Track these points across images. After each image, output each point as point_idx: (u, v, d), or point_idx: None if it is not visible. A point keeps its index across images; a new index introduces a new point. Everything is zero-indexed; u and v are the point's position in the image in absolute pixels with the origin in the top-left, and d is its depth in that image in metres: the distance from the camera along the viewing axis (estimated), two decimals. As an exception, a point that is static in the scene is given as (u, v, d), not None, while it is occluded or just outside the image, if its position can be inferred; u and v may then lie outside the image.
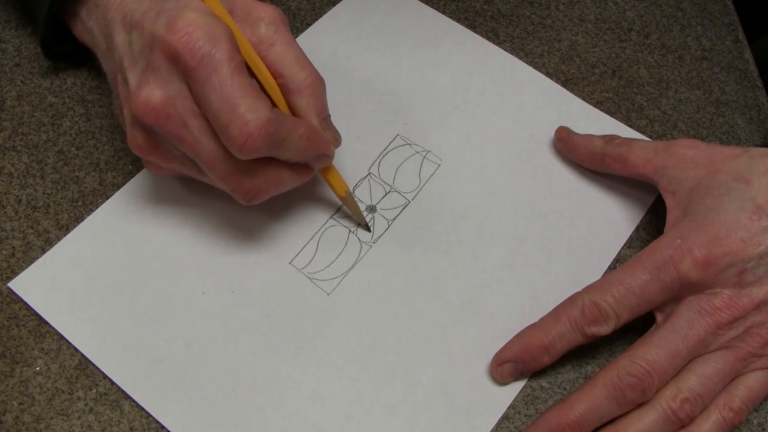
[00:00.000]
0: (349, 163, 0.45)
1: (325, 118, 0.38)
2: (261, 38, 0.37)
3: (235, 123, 0.33)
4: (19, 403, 0.37)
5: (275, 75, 0.37)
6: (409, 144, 0.46)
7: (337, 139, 0.39)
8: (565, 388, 0.39)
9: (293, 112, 0.38)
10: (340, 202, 0.43)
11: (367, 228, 0.43)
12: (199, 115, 0.34)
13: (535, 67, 0.50)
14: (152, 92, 0.34)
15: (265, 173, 0.37)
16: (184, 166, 0.38)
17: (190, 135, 0.35)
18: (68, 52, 0.45)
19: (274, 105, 0.37)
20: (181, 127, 0.35)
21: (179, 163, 0.37)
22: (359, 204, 0.44)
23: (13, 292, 0.39)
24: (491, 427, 0.38)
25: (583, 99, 0.49)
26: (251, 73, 0.36)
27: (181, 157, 0.37)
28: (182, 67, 0.33)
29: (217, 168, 0.36)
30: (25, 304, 0.39)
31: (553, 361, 0.39)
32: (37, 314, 0.39)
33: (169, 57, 0.33)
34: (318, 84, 0.38)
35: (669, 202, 0.40)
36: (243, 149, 0.34)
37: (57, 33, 0.43)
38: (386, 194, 0.44)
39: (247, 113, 0.33)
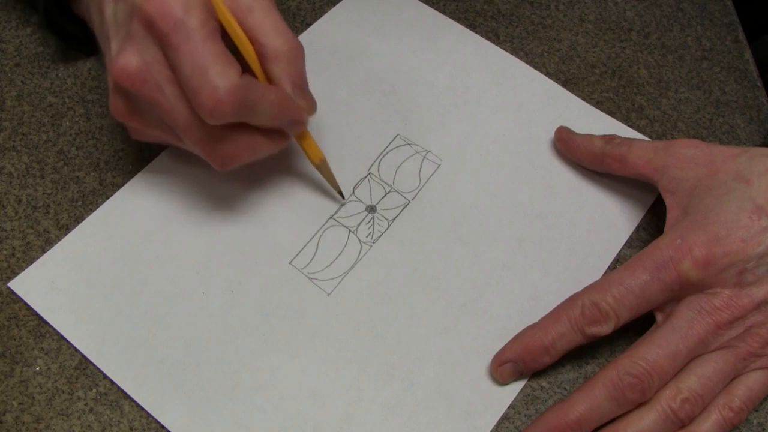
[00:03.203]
0: (349, 163, 0.45)
1: (300, 85, 0.38)
2: (240, 5, 0.37)
3: (204, 88, 0.34)
4: (19, 403, 0.37)
5: (253, 42, 0.37)
6: (409, 144, 0.46)
7: (311, 107, 0.39)
8: (565, 388, 0.39)
9: (269, 78, 0.38)
10: (339, 202, 0.43)
11: (341, 195, 0.43)
12: (174, 81, 0.35)
13: (535, 67, 0.50)
14: (129, 58, 0.35)
15: (238, 139, 0.37)
16: (163, 132, 0.38)
17: (166, 100, 0.35)
18: (71, 32, 0.45)
19: (249, 71, 0.37)
20: (157, 93, 0.35)
21: (158, 129, 0.38)
22: (359, 204, 0.44)
23: (13, 292, 0.39)
24: (491, 427, 0.38)
25: (583, 99, 0.49)
26: (229, 40, 0.37)
27: (160, 123, 0.38)
28: (157, 34, 0.34)
29: (191, 133, 0.36)
30: (25, 304, 0.39)
31: (553, 361, 0.39)
32: (37, 314, 0.39)
33: (145, 24, 0.34)
34: (294, 51, 0.38)
35: (669, 201, 0.40)
36: (212, 114, 0.34)
37: (59, 13, 0.44)
38: (386, 194, 0.44)
39: (215, 78, 0.34)
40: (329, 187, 0.44)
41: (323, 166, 0.42)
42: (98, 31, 0.40)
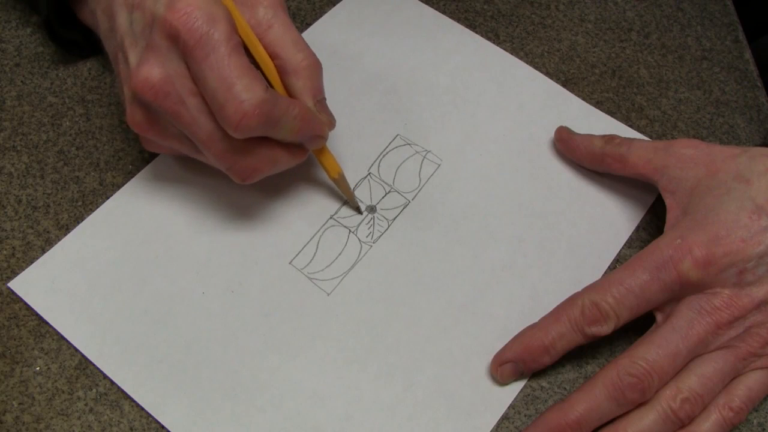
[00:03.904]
0: (349, 163, 0.45)
1: (320, 100, 0.39)
2: (259, 21, 0.37)
3: (231, 102, 0.34)
4: (19, 403, 0.37)
5: (272, 56, 0.38)
6: (409, 144, 0.46)
7: (331, 122, 0.40)
8: (565, 388, 0.39)
9: (289, 93, 0.38)
10: (340, 202, 0.43)
11: (359, 210, 0.43)
12: (197, 93, 0.35)
13: (535, 67, 0.50)
14: (152, 70, 0.35)
15: (260, 152, 0.37)
16: (181, 145, 0.38)
17: (188, 113, 0.35)
18: (72, 38, 0.45)
19: (270, 86, 0.37)
20: (179, 105, 0.35)
21: (176, 141, 0.38)
22: (360, 204, 0.44)
23: (13, 292, 0.39)
24: (491, 427, 0.38)
25: (583, 99, 0.49)
26: (249, 55, 0.37)
27: (179, 135, 0.38)
28: (181, 47, 0.34)
29: (213, 146, 0.36)
30: (25, 304, 0.39)
31: (554, 361, 0.39)
32: (37, 314, 0.39)
33: (169, 36, 0.34)
34: (314, 66, 0.38)
35: (669, 201, 0.40)
36: (238, 128, 0.34)
37: (61, 18, 0.43)
38: (386, 194, 0.44)
39: (242, 93, 0.34)
40: (330, 188, 0.44)
41: (341, 180, 0.42)
42: (106, 37, 0.39)
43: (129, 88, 0.37)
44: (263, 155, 0.37)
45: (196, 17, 0.33)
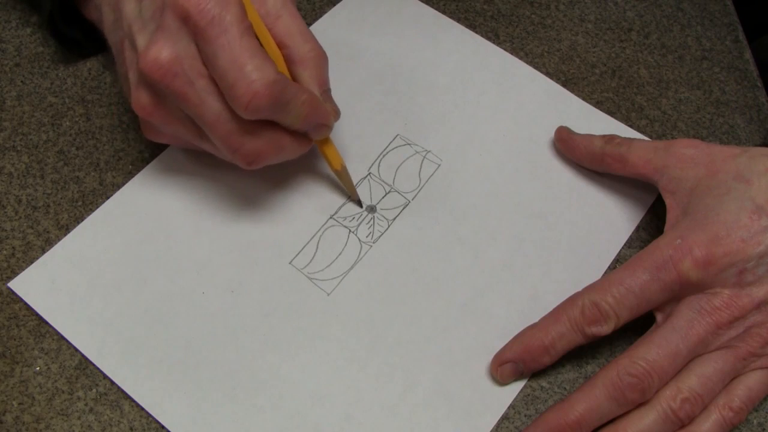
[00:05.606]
0: (349, 163, 0.45)
1: (326, 91, 0.39)
2: (268, 11, 0.38)
3: (242, 82, 0.34)
4: (19, 403, 0.37)
5: (280, 46, 0.38)
6: (409, 144, 0.46)
7: (336, 112, 0.40)
8: (565, 388, 0.39)
9: (296, 82, 0.38)
10: (340, 202, 0.43)
11: (360, 204, 0.43)
12: (206, 75, 0.35)
13: (535, 67, 0.50)
14: (161, 50, 0.35)
15: (266, 136, 0.37)
16: (185, 129, 0.38)
17: (196, 94, 0.35)
18: (74, 36, 0.45)
19: None
20: (187, 86, 0.35)
21: (180, 126, 0.38)
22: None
23: (13, 292, 0.40)
24: (491, 427, 0.38)
25: (583, 99, 0.49)
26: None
27: (183, 119, 0.37)
28: (192, 28, 0.34)
29: (219, 128, 0.36)
30: (25, 304, 0.39)
31: (554, 361, 0.39)
32: (37, 314, 0.39)
33: (180, 17, 0.34)
34: (321, 57, 0.39)
35: (669, 201, 0.40)
36: (248, 108, 0.34)
37: (63, 16, 0.44)
38: (386, 194, 0.44)
39: (253, 72, 0.34)
40: (330, 188, 0.44)
41: (343, 173, 0.42)
42: (110, 31, 0.39)
43: (136, 71, 0.37)
44: (269, 139, 0.37)
45: (207, 0, 0.34)
